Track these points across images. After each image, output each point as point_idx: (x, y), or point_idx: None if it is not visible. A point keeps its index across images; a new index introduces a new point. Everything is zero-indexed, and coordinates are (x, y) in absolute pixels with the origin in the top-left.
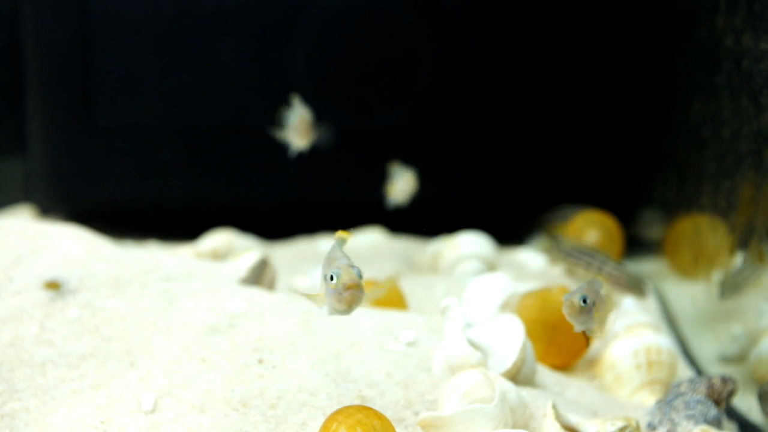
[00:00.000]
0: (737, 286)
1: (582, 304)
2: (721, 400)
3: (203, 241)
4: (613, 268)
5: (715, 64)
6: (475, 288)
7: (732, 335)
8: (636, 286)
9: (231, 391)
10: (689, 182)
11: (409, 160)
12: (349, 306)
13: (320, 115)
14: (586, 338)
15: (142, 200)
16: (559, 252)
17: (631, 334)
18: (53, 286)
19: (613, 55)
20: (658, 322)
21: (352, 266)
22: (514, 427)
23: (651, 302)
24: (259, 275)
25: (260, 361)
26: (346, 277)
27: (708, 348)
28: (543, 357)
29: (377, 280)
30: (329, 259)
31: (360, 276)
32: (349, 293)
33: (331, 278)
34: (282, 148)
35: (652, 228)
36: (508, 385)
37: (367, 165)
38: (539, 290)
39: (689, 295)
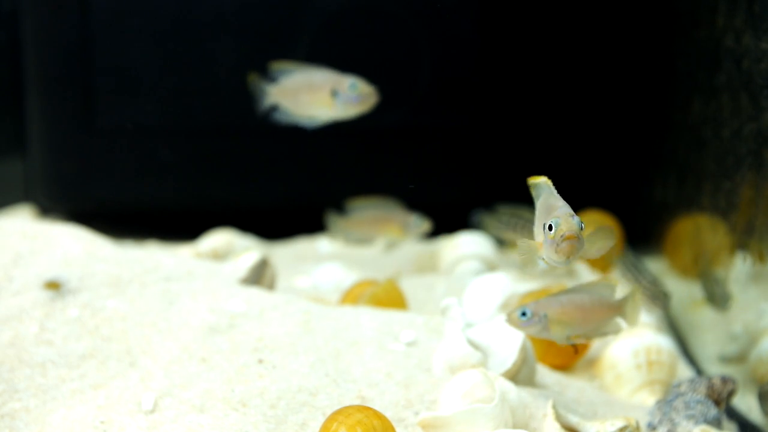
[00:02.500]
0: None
1: (521, 317)
2: (721, 400)
3: (203, 241)
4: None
5: (715, 64)
6: (475, 288)
7: (732, 335)
8: (659, 297)
9: (231, 391)
10: (689, 182)
11: (409, 160)
12: (566, 257)
13: None
14: (574, 348)
15: (142, 200)
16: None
17: (631, 334)
18: (53, 286)
19: (613, 56)
20: (658, 322)
21: (573, 215)
22: (514, 427)
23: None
24: (259, 275)
25: (260, 361)
26: (565, 227)
27: (708, 348)
28: (543, 357)
29: (377, 280)
30: (547, 207)
31: (581, 226)
32: (567, 244)
33: (550, 228)
34: (281, 148)
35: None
36: (508, 385)
37: (367, 165)
38: (539, 290)
39: (689, 295)
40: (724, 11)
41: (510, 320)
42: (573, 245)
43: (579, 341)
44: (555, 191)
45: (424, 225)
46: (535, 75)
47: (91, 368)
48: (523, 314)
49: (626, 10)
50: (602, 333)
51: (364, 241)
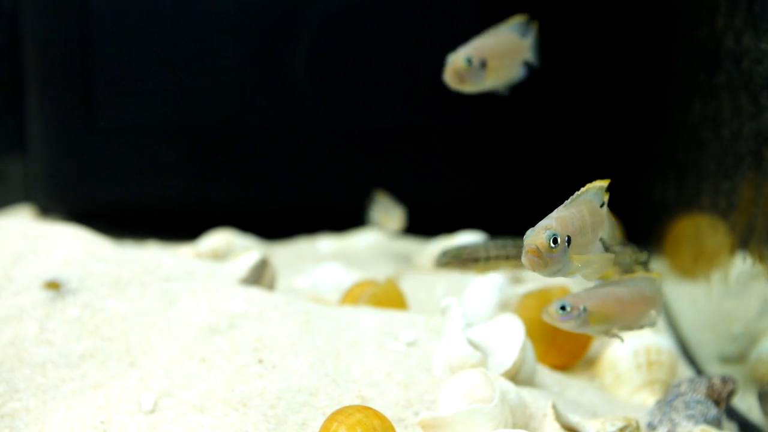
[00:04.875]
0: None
1: (560, 310)
2: (721, 400)
3: (203, 241)
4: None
5: (715, 64)
6: (475, 288)
7: (732, 335)
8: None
9: (231, 391)
10: (689, 182)
11: (409, 160)
12: (531, 269)
13: (321, 115)
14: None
15: (142, 200)
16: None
17: (631, 334)
18: (53, 286)
19: (613, 55)
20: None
21: (547, 228)
22: (514, 427)
23: None
24: (259, 275)
25: (260, 361)
26: (528, 240)
27: (708, 348)
28: (543, 357)
29: (377, 280)
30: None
31: (552, 240)
32: (525, 257)
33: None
34: (281, 148)
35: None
36: (508, 385)
37: (367, 165)
38: (539, 290)
39: (689, 295)
40: (724, 11)
41: (548, 315)
42: (530, 259)
43: (616, 336)
44: (572, 198)
45: (398, 214)
46: (535, 75)
47: (91, 368)
48: (563, 308)
49: (626, 9)
50: (640, 326)
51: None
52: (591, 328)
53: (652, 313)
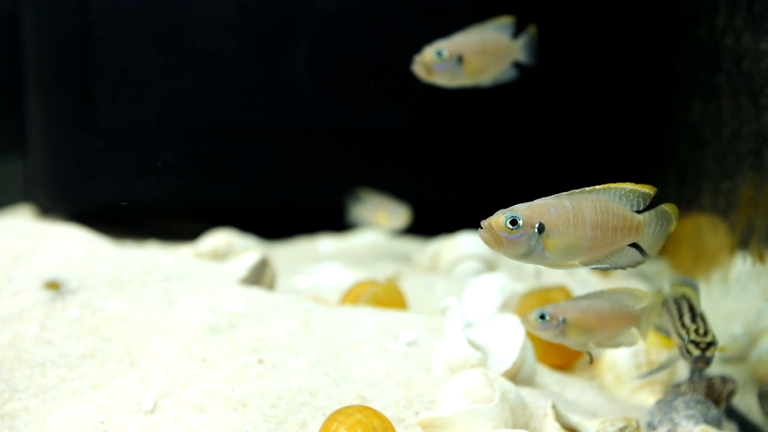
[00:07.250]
0: None
1: (539, 319)
2: (721, 400)
3: (203, 241)
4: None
5: (715, 64)
6: (475, 288)
7: (732, 335)
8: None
9: (231, 391)
10: (689, 182)
11: (409, 160)
12: (486, 245)
13: (320, 115)
14: (590, 357)
15: (142, 200)
16: None
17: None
18: (53, 286)
19: (613, 55)
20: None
21: (507, 211)
22: (514, 427)
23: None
24: (259, 275)
25: (260, 361)
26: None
27: None
28: (543, 357)
29: (377, 280)
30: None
31: (510, 222)
32: (479, 232)
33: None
34: (281, 148)
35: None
36: (508, 385)
37: (367, 165)
38: (539, 290)
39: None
40: (724, 11)
41: (527, 323)
42: (481, 235)
43: (588, 354)
44: (575, 191)
45: (401, 212)
46: (534, 75)
47: (91, 368)
48: (542, 317)
49: (626, 9)
50: (617, 343)
51: (369, 225)
52: (568, 339)
53: (633, 331)
